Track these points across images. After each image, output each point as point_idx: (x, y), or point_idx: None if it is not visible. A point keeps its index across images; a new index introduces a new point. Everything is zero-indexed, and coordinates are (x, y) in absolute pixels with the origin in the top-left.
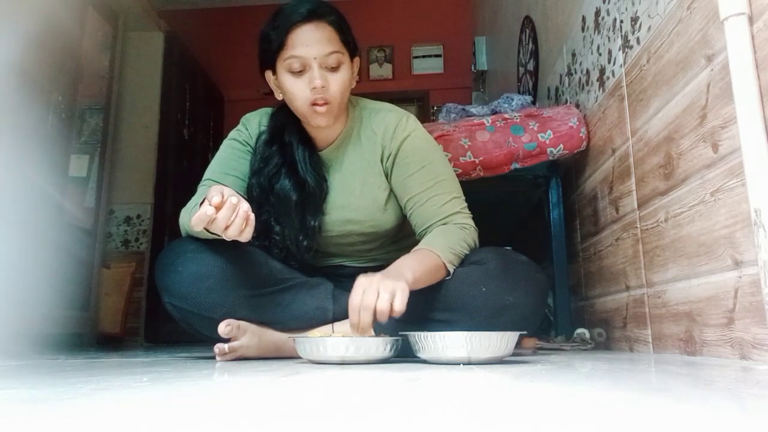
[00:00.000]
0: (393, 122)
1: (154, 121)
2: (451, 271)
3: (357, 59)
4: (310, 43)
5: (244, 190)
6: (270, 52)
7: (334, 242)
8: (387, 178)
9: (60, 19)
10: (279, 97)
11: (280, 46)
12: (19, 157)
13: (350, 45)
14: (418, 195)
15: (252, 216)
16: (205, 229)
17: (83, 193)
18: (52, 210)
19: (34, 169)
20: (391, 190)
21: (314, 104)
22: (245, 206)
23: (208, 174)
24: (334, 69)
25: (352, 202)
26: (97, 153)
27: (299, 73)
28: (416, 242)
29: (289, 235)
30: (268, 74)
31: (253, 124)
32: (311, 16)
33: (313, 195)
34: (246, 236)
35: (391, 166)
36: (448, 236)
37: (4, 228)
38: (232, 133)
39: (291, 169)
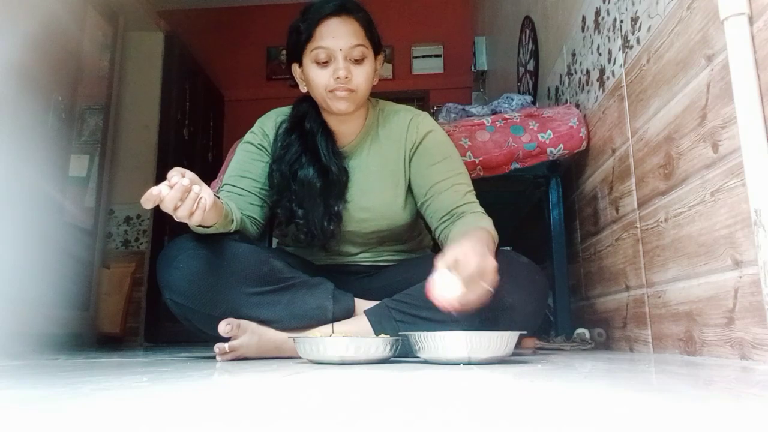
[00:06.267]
0: (415, 118)
1: (154, 121)
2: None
3: (381, 57)
4: (337, 35)
5: (260, 191)
6: (298, 44)
7: (349, 238)
8: (406, 170)
9: (60, 19)
10: (303, 89)
11: (309, 37)
12: (19, 157)
13: (375, 42)
14: (441, 182)
15: (208, 202)
16: (200, 225)
17: (83, 193)
18: (52, 210)
19: (34, 169)
20: (408, 188)
21: (335, 90)
22: (204, 193)
23: (225, 178)
24: (359, 62)
25: (371, 200)
26: (97, 153)
27: (325, 63)
28: (421, 244)
29: (313, 220)
30: (295, 67)
31: (269, 124)
32: (340, 11)
33: (337, 182)
34: (196, 219)
35: (413, 155)
36: (484, 219)
37: (4, 228)
38: (247, 136)
39: (314, 157)
